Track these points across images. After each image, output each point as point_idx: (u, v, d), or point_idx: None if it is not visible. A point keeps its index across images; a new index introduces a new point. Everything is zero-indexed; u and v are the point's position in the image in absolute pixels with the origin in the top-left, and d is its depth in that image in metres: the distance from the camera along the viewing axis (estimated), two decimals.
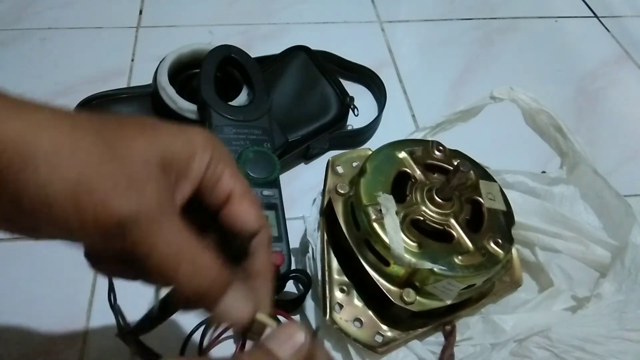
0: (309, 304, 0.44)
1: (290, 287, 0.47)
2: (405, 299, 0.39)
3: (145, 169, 0.21)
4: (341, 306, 0.41)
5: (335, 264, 0.43)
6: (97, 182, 0.20)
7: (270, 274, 0.27)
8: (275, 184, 0.47)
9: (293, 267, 0.46)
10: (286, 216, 0.46)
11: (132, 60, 0.68)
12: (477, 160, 0.47)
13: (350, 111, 0.60)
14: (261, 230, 0.27)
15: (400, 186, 0.43)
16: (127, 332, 0.28)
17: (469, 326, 0.42)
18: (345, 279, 0.42)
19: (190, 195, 0.25)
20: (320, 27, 0.76)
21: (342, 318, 0.41)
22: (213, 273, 0.23)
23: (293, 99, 0.58)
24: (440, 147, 0.45)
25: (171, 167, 0.23)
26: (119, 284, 0.27)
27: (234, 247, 0.26)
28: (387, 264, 0.39)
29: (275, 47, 0.63)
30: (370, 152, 0.46)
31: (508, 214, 0.43)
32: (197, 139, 0.25)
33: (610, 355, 0.38)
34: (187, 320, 0.42)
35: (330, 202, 0.44)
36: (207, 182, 0.25)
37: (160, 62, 0.55)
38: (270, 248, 0.28)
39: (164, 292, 0.25)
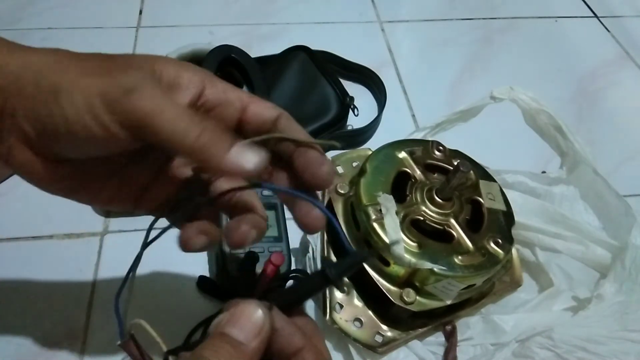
0: (309, 304, 0.44)
1: None
2: (405, 299, 0.39)
3: (140, 69, 0.26)
4: (341, 306, 0.41)
5: None
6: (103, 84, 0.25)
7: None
8: None
9: (293, 267, 0.46)
10: (286, 216, 0.46)
11: None
12: (477, 160, 0.47)
13: (350, 111, 0.60)
14: (280, 115, 0.28)
15: (400, 186, 0.43)
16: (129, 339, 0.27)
17: (469, 326, 0.42)
18: (346, 279, 0.42)
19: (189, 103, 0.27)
20: (320, 27, 0.76)
21: (342, 318, 0.40)
22: (218, 132, 0.24)
23: (293, 99, 0.58)
24: (440, 147, 0.45)
25: (161, 77, 0.26)
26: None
27: None
28: (387, 264, 0.39)
29: (275, 47, 0.63)
30: (370, 152, 0.46)
31: (508, 214, 0.43)
32: (188, 67, 0.28)
33: (613, 356, 0.38)
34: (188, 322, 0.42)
35: (330, 202, 0.44)
36: (214, 100, 0.27)
37: None
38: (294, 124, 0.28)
39: None
